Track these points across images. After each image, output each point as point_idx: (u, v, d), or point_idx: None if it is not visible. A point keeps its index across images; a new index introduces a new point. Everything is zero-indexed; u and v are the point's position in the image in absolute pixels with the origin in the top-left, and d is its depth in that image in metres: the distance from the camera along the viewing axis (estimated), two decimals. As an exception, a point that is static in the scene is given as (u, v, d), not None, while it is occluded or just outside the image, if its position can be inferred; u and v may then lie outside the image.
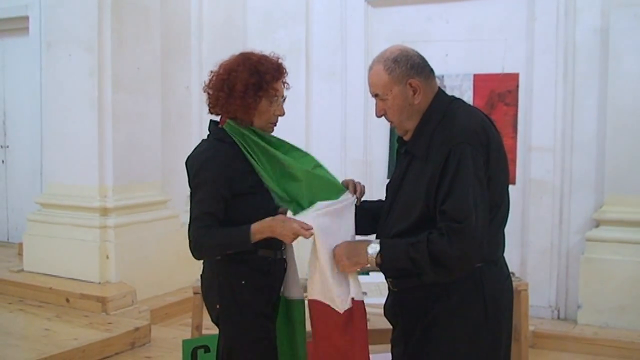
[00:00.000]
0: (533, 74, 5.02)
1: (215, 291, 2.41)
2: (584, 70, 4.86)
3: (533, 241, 5.03)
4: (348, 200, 2.36)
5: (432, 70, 2.22)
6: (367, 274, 3.20)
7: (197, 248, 2.33)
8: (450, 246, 2.00)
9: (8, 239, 7.42)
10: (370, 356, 2.32)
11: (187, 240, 2.34)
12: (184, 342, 3.06)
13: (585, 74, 4.86)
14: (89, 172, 5.26)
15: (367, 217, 2.38)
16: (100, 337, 4.39)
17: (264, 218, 2.28)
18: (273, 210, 2.33)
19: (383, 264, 2.15)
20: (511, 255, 3.23)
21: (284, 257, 2.46)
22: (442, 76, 5.12)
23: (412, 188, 2.14)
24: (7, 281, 5.40)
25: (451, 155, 2.04)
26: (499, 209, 2.15)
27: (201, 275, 2.54)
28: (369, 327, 2.34)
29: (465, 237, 2.00)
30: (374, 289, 3.15)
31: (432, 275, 2.08)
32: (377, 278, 2.76)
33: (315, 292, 2.30)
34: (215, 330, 2.55)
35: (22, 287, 5.29)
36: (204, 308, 2.59)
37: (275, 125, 2.46)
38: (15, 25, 7.04)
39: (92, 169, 5.24)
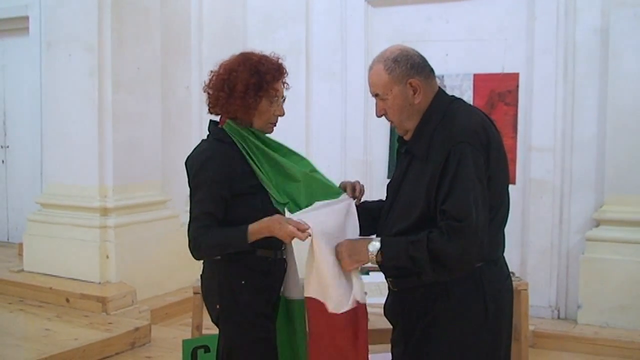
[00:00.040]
0: (533, 74, 5.01)
1: (215, 291, 2.41)
2: (584, 70, 4.86)
3: (533, 241, 5.03)
4: (346, 200, 2.37)
5: (432, 70, 2.22)
6: (367, 273, 3.21)
7: (196, 248, 2.33)
8: (450, 245, 2.00)
9: (8, 239, 7.42)
10: (370, 356, 2.32)
11: (187, 240, 2.35)
12: (184, 342, 3.06)
13: (585, 74, 4.86)
14: (89, 172, 5.26)
15: (367, 217, 2.38)
16: (100, 337, 4.39)
17: (262, 218, 2.27)
18: (272, 210, 2.33)
19: (383, 262, 2.15)
20: (511, 255, 3.23)
21: (284, 257, 2.46)
22: (442, 76, 5.11)
23: (413, 188, 2.15)
24: (7, 281, 5.40)
25: (451, 155, 2.04)
26: (499, 209, 2.16)
27: (201, 276, 2.54)
28: (369, 327, 2.33)
29: (465, 236, 2.00)
30: (374, 289, 3.14)
31: (431, 274, 2.07)
32: (377, 278, 2.77)
33: (311, 290, 2.30)
34: (215, 330, 2.55)
35: (22, 287, 5.28)
36: (204, 308, 2.59)
37: (275, 126, 2.47)
38: (15, 25, 7.04)
39: (92, 169, 5.24)
